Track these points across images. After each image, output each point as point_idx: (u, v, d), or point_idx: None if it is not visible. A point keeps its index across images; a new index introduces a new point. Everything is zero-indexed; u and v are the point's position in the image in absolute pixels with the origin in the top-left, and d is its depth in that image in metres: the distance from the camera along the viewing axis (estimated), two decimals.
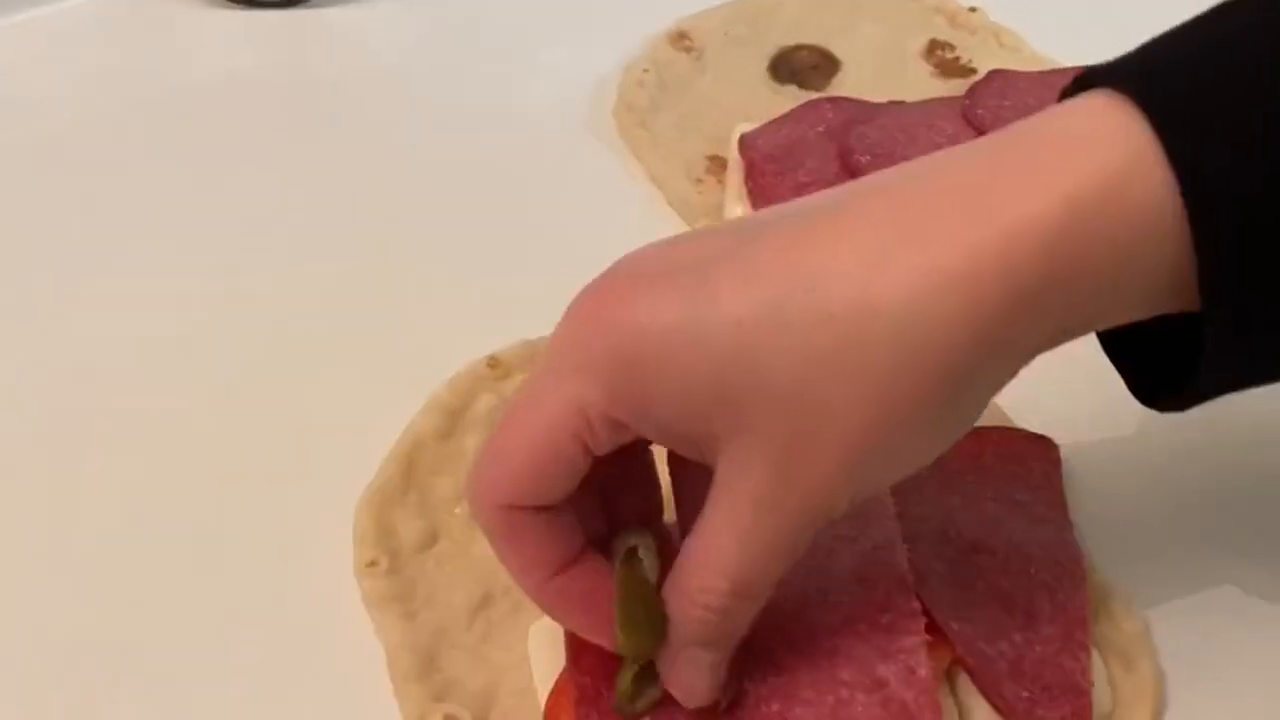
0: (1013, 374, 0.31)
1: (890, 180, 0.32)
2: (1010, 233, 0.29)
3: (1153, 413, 0.35)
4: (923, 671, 0.34)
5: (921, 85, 0.61)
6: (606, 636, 0.33)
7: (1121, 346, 0.36)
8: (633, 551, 0.33)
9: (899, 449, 0.31)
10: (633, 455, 0.34)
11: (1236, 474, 0.44)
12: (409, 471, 0.42)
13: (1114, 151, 0.29)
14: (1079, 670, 0.36)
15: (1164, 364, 0.34)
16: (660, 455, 0.35)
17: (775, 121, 0.56)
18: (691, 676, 0.33)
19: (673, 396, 0.30)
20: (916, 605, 0.35)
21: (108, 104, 0.60)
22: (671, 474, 0.36)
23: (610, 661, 0.35)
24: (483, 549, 0.40)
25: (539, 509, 0.32)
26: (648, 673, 0.33)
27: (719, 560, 0.31)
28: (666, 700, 0.34)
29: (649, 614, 0.32)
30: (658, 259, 0.31)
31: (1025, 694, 0.35)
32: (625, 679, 0.33)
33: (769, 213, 0.33)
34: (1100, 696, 0.37)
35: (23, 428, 0.46)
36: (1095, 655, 0.37)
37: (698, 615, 0.32)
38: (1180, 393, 0.33)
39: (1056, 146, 0.30)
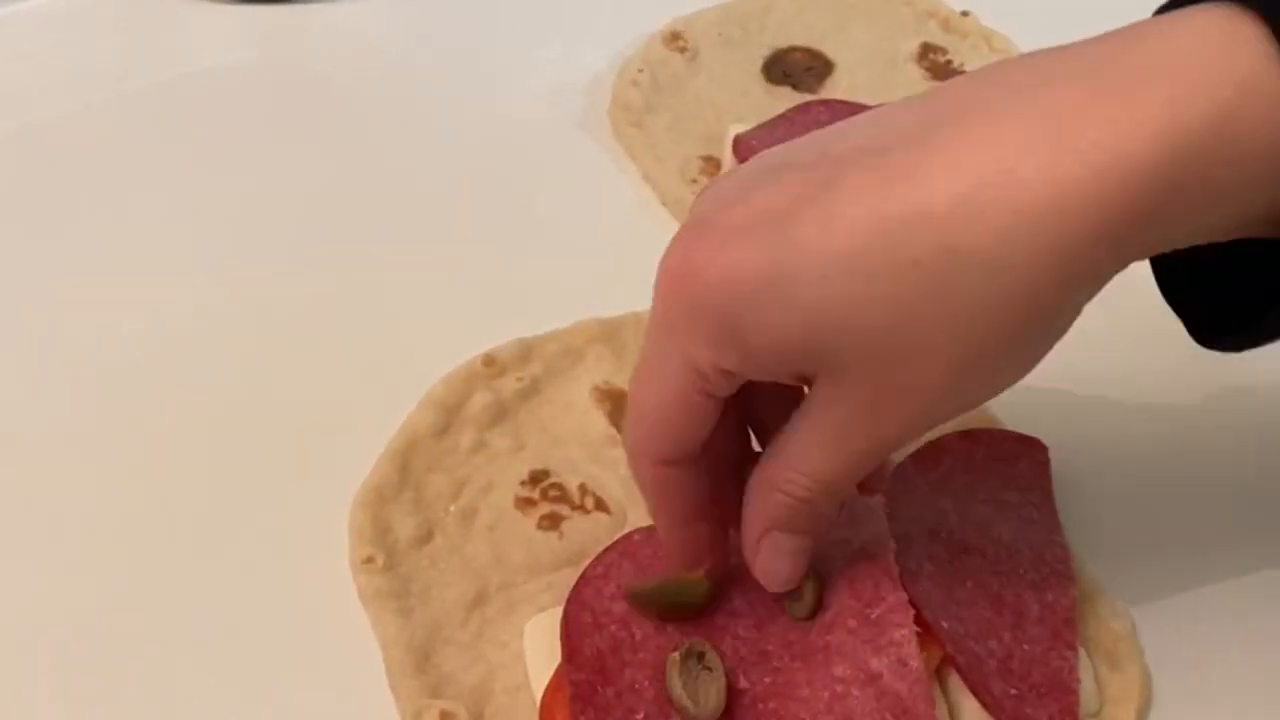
0: (1095, 294, 0.31)
1: (974, 98, 0.30)
2: (1102, 172, 0.28)
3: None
4: (915, 663, 0.34)
5: (913, 88, 0.62)
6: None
7: (1177, 280, 0.36)
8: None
9: (986, 379, 0.32)
10: None
11: (1224, 476, 0.45)
12: (405, 468, 0.43)
13: (1225, 76, 0.28)
14: (1066, 669, 0.37)
15: (1227, 299, 0.34)
16: None
17: (769, 123, 0.56)
18: (773, 561, 0.35)
19: (768, 349, 0.31)
20: (904, 596, 0.35)
21: (102, 97, 0.60)
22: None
23: (606, 659, 0.35)
24: (477, 546, 0.41)
25: (684, 462, 0.34)
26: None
27: (801, 460, 0.33)
28: None
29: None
30: (738, 205, 0.31)
31: (1014, 692, 0.36)
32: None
33: (841, 140, 0.32)
34: (1087, 695, 0.37)
35: (15, 424, 0.46)
36: (1082, 654, 0.38)
37: (780, 499, 0.33)
38: (1248, 329, 0.34)
39: (1160, 67, 0.28)
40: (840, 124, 0.33)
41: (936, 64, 0.63)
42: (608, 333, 0.48)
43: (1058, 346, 0.31)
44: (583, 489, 0.43)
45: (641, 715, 0.34)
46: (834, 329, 0.30)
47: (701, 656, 0.35)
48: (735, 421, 0.36)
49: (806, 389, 0.33)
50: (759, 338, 0.30)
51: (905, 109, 0.32)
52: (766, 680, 0.35)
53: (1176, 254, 0.34)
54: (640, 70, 0.61)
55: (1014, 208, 0.28)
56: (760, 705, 0.34)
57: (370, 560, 0.40)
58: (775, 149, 0.34)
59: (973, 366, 0.30)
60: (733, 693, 0.35)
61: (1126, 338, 0.49)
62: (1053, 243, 0.28)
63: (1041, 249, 0.28)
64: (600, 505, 0.42)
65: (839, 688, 0.34)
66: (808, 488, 0.33)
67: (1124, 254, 0.30)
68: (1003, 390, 0.32)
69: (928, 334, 0.30)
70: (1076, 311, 0.31)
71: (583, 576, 0.37)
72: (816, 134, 0.33)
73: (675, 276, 0.32)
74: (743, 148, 0.54)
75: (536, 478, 0.43)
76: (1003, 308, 0.29)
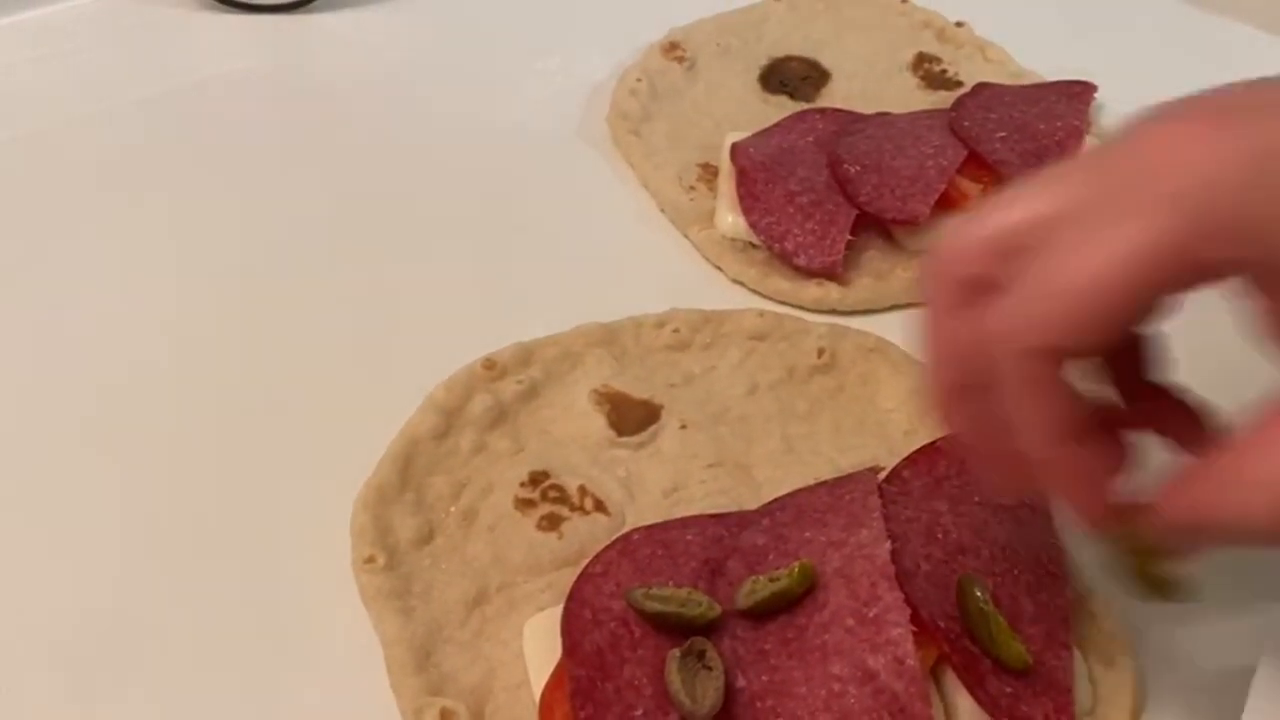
0: None
1: None
2: None
3: None
4: (911, 662, 0.35)
5: (909, 97, 0.62)
6: (1097, 518, 0.32)
7: None
8: None
9: None
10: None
11: None
12: (406, 470, 0.43)
13: None
14: (1061, 668, 0.37)
15: None
16: None
17: (766, 130, 0.57)
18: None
19: None
20: (900, 595, 0.36)
21: (105, 106, 0.61)
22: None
23: (605, 655, 0.35)
24: (478, 546, 0.42)
25: (1076, 357, 0.30)
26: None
27: None
28: None
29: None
30: (1231, 100, 0.29)
31: (1009, 690, 0.36)
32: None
33: None
34: (1081, 694, 0.37)
35: (22, 425, 0.46)
36: (1077, 653, 0.38)
37: (1258, 511, 0.30)
38: None
39: None
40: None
41: (931, 73, 0.64)
42: (606, 336, 0.48)
43: None
44: (582, 490, 0.43)
45: (640, 711, 0.34)
46: None
47: (702, 655, 0.35)
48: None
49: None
50: None
51: None
52: (764, 679, 0.35)
53: None
54: (639, 79, 0.61)
55: None
56: (758, 703, 0.35)
57: (372, 560, 0.40)
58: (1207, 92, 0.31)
59: None
60: (730, 691, 0.35)
61: None
62: None
63: None
64: (599, 506, 0.43)
65: (836, 686, 0.35)
66: None
67: None
68: None
69: None
70: None
71: (582, 574, 0.38)
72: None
73: (1156, 144, 0.28)
74: (740, 155, 0.55)
75: (536, 479, 0.43)
76: None
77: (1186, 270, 0.29)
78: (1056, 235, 0.29)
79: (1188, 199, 0.28)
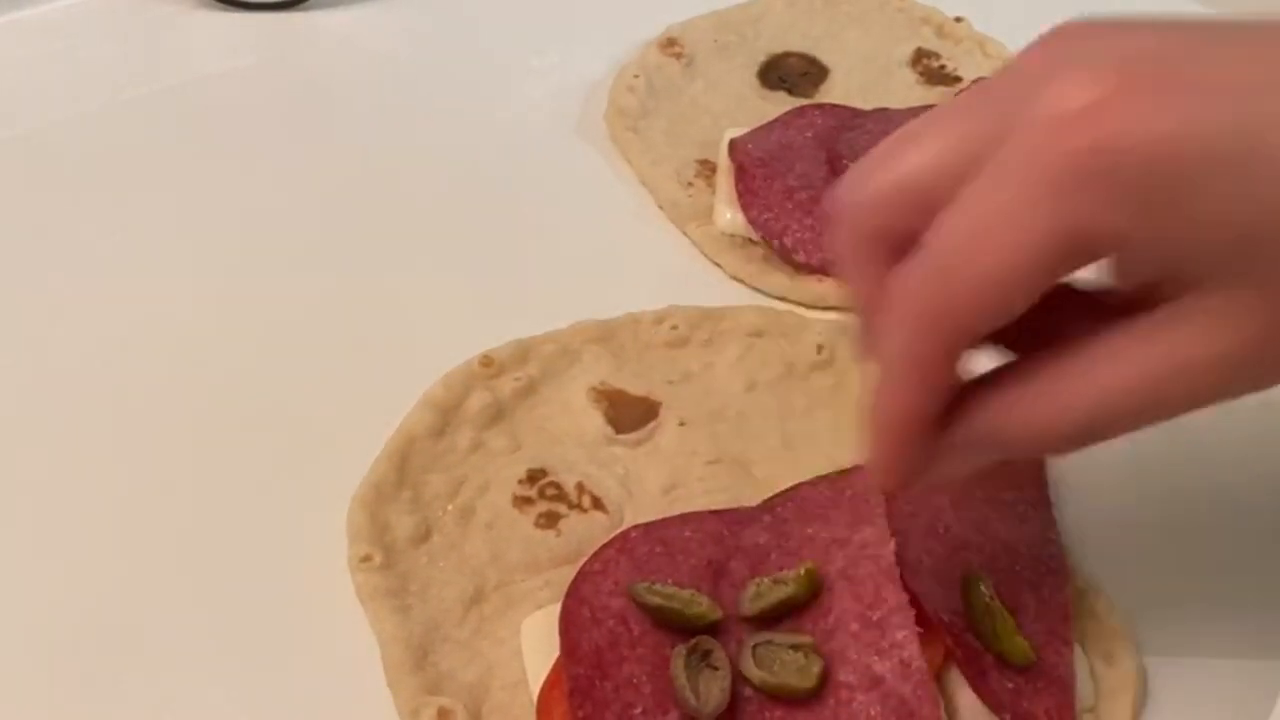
0: None
1: None
2: None
3: None
4: (917, 663, 0.34)
5: (908, 93, 0.62)
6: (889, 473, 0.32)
7: None
8: None
9: None
10: None
11: (1217, 474, 0.45)
12: (402, 468, 0.43)
13: None
14: (1062, 664, 0.37)
15: None
16: None
17: (765, 126, 0.57)
18: (952, 468, 0.32)
19: (1206, 229, 0.26)
20: (905, 596, 0.36)
21: (101, 104, 0.61)
22: None
23: (604, 653, 0.35)
24: (475, 544, 0.41)
25: (969, 345, 0.29)
26: None
27: (1128, 369, 0.28)
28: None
29: None
30: (1174, 58, 0.26)
31: (1011, 686, 0.36)
32: None
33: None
34: (1083, 689, 0.37)
35: (18, 423, 0.46)
36: (1078, 649, 0.38)
37: (1056, 424, 0.29)
38: None
39: None
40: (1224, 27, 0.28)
41: (930, 69, 0.64)
42: (604, 334, 0.48)
43: None
44: (580, 488, 0.43)
45: (639, 710, 0.34)
46: None
47: (708, 654, 0.35)
48: None
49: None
50: (1202, 212, 0.26)
51: None
52: None
53: None
54: (636, 76, 0.61)
55: None
56: (766, 714, 0.35)
57: (368, 559, 0.40)
58: (1142, 27, 0.28)
59: None
60: (738, 699, 0.35)
61: None
62: None
63: None
64: (597, 504, 0.42)
65: (844, 694, 0.34)
66: (1111, 412, 0.28)
67: None
68: None
69: None
70: None
71: (581, 572, 0.37)
72: (1197, 26, 0.28)
73: (1092, 121, 0.25)
74: (738, 151, 0.55)
75: (534, 476, 0.43)
76: None
77: (1105, 246, 0.27)
78: (959, 193, 0.27)
79: (1116, 179, 0.26)
